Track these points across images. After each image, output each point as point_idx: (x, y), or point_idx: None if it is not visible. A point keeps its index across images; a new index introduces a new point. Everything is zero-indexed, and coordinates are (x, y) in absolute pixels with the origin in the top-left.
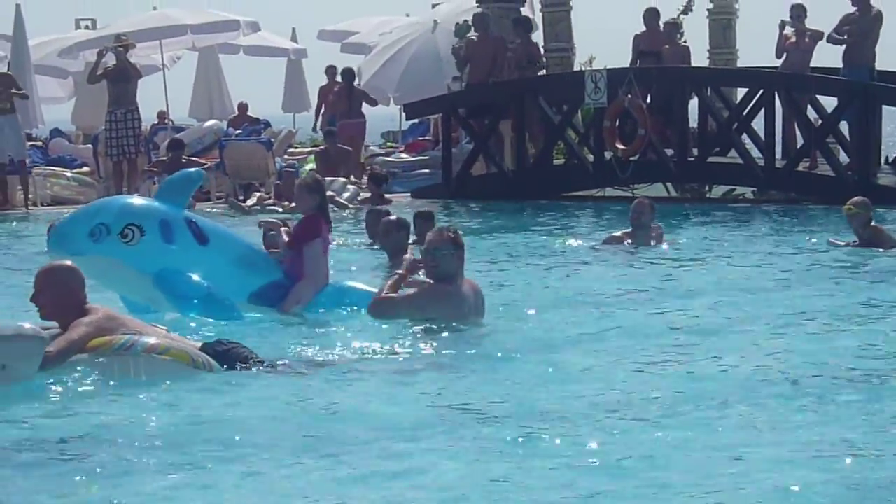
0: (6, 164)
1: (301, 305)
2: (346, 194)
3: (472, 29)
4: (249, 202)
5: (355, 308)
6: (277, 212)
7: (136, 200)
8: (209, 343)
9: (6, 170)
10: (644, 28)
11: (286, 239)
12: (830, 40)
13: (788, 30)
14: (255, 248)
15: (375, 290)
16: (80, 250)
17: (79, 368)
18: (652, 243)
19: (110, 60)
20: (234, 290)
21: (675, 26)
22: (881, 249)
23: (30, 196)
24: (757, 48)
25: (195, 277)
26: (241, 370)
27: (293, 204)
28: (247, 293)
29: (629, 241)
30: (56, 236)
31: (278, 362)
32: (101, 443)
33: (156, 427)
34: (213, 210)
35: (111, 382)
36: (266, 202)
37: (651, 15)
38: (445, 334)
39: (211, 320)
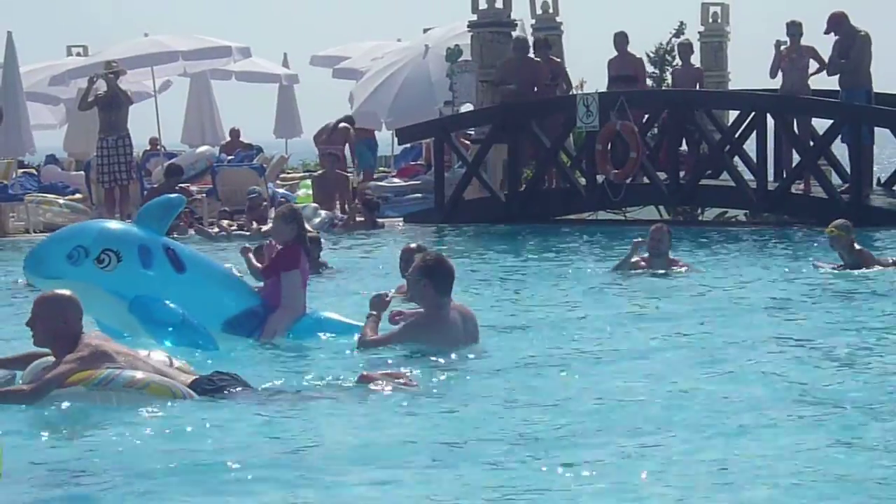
0: None
1: (278, 335)
2: (316, 220)
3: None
4: (214, 230)
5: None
6: (245, 235)
7: (114, 225)
8: (202, 377)
9: None
10: (616, 53)
11: (256, 265)
12: (830, 71)
13: (784, 48)
14: (233, 277)
15: (352, 322)
16: (57, 273)
17: (58, 402)
18: (672, 269)
19: (101, 87)
20: (210, 318)
21: (688, 47)
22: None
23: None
24: (748, 71)
25: (171, 305)
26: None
27: (264, 228)
28: (222, 321)
29: (646, 267)
30: (33, 259)
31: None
32: (71, 474)
33: (132, 458)
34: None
35: (87, 415)
36: (232, 229)
37: (621, 39)
38: (435, 360)
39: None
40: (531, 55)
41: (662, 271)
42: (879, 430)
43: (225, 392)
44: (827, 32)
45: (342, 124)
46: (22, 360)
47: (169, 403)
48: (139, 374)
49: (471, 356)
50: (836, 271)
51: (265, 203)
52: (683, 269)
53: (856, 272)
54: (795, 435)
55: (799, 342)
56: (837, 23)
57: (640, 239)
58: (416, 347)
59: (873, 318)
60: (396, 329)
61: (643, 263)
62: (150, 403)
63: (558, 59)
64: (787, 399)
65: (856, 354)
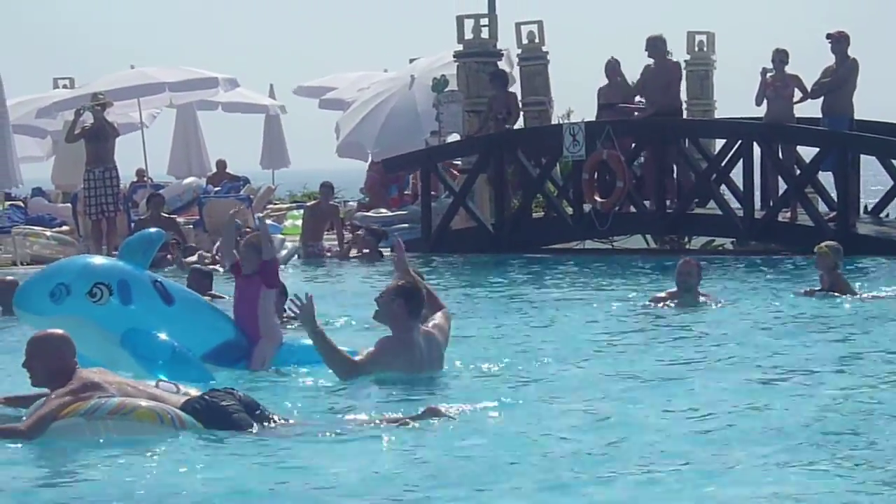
0: None
1: (266, 364)
2: (283, 252)
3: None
4: (190, 259)
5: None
6: (218, 270)
7: (101, 260)
8: (195, 397)
9: None
10: (606, 81)
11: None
12: (813, 95)
13: (769, 76)
14: (215, 308)
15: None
16: (40, 310)
17: (53, 436)
18: (702, 304)
19: (88, 119)
20: (198, 349)
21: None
22: (840, 295)
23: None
24: (734, 100)
25: (163, 337)
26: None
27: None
28: (207, 352)
29: (674, 301)
30: (18, 297)
31: (273, 418)
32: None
33: (118, 490)
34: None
35: (77, 447)
36: (206, 260)
37: (612, 67)
38: (416, 387)
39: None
40: (670, 59)
41: (690, 305)
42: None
43: (226, 412)
44: (834, 53)
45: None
46: (27, 399)
47: (163, 430)
48: (126, 400)
49: (444, 381)
50: (816, 296)
51: (246, 237)
52: (713, 303)
53: (837, 297)
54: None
55: (785, 371)
56: (839, 41)
57: None
58: (383, 373)
59: (869, 344)
60: (372, 353)
61: (672, 300)
62: (134, 435)
63: (514, 93)
64: (786, 426)
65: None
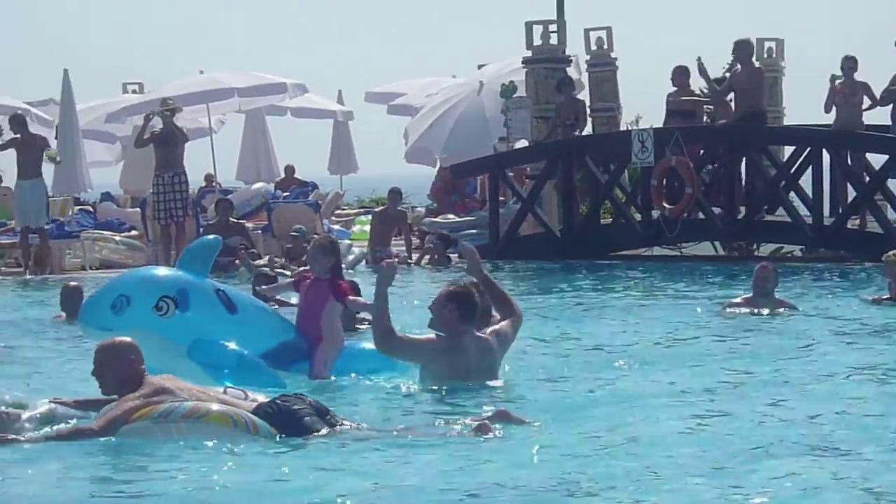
0: (28, 228)
1: (328, 369)
2: (350, 257)
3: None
4: (260, 262)
5: (377, 370)
6: (286, 274)
7: (163, 272)
8: (266, 402)
9: (28, 234)
10: (674, 88)
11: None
12: (882, 102)
13: (838, 83)
14: (277, 314)
15: None
16: (102, 324)
17: (121, 438)
18: (779, 310)
19: (157, 124)
20: (263, 352)
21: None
22: None
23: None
24: (803, 106)
25: (230, 345)
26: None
27: (303, 268)
28: (267, 356)
29: (752, 308)
30: (81, 312)
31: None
32: None
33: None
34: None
35: (150, 450)
36: (276, 265)
37: (680, 74)
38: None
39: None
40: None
41: (767, 311)
42: None
43: (298, 416)
44: None
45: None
46: (97, 403)
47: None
48: (199, 404)
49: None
50: (884, 304)
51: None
52: (790, 309)
53: None
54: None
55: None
56: None
57: None
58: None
59: None
60: (419, 338)
61: (749, 307)
62: (207, 439)
63: (582, 99)
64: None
65: None
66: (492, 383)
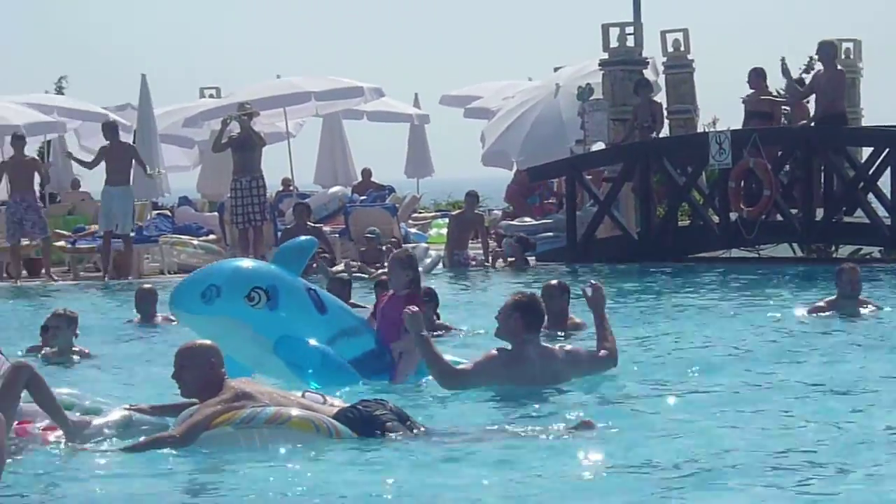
0: (112, 231)
1: (409, 376)
2: (427, 260)
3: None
4: (337, 268)
5: None
6: (363, 278)
7: (257, 264)
8: (347, 407)
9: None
10: (751, 89)
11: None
12: None
13: None
14: (363, 319)
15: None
16: (191, 309)
17: (202, 444)
18: (862, 311)
19: (235, 129)
20: (348, 357)
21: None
22: None
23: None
24: (882, 107)
25: (317, 344)
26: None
27: (380, 270)
28: (352, 361)
29: (836, 310)
30: (172, 295)
31: (417, 428)
32: None
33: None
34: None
35: (230, 455)
36: (353, 268)
37: (757, 76)
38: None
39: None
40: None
41: (851, 312)
42: None
43: (380, 421)
44: None
45: None
46: (173, 408)
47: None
48: (281, 410)
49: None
50: None
51: (387, 245)
52: (875, 310)
53: None
54: None
55: None
56: None
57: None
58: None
59: None
60: (479, 362)
61: (831, 310)
62: (290, 443)
63: (658, 101)
64: None
65: None
66: (563, 387)
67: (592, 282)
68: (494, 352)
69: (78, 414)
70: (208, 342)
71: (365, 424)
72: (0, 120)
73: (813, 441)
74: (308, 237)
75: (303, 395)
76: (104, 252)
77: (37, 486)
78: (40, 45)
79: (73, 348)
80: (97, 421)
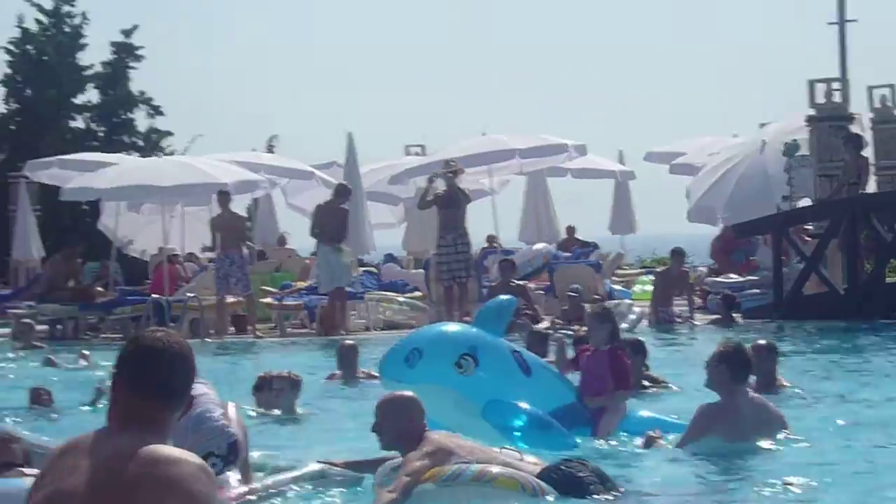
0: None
1: (611, 434)
2: (632, 316)
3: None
4: (542, 325)
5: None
6: (569, 334)
7: (463, 329)
8: (550, 466)
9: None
10: None
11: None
12: None
13: None
14: (564, 377)
15: (673, 419)
16: (396, 376)
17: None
18: None
19: (440, 186)
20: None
21: None
22: None
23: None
24: None
25: (525, 406)
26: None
27: (584, 327)
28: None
29: None
30: (381, 363)
31: (617, 490)
32: None
33: None
34: None
35: None
36: (558, 325)
37: None
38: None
39: None
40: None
41: None
42: None
43: (583, 483)
44: None
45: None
46: (368, 464)
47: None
48: (486, 467)
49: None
50: None
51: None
52: None
53: None
54: None
55: None
56: None
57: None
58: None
59: None
60: (690, 426)
61: None
62: (500, 498)
63: (865, 156)
64: None
65: None
66: (768, 443)
67: None
68: (703, 407)
69: (268, 480)
70: (409, 394)
71: (569, 486)
72: (209, 178)
73: None
74: (508, 297)
75: (500, 451)
76: (326, 310)
77: None
78: (253, 104)
79: (298, 410)
80: (291, 475)
